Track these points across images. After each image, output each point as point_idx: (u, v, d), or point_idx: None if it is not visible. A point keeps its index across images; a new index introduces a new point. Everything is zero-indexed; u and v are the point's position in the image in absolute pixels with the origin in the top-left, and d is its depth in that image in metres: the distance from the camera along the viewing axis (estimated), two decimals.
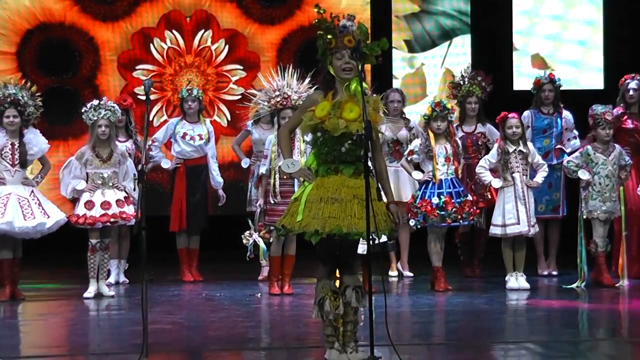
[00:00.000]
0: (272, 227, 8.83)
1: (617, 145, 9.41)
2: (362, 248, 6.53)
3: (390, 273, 10.18)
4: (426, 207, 9.02)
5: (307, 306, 7.57)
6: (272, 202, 8.89)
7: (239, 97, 11.57)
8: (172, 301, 8.92)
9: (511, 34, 12.79)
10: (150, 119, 12.23)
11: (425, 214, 9.04)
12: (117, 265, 9.88)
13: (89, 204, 8.90)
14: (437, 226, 9.13)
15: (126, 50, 12.41)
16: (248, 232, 9.29)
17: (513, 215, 9.13)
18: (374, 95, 7.25)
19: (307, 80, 9.01)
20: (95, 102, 9.09)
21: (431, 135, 9.18)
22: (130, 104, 10.02)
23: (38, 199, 8.85)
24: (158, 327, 7.18)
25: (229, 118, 12.39)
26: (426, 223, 9.12)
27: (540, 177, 9.27)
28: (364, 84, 5.77)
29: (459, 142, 9.42)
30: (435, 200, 9.03)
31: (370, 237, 5.56)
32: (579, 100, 10.66)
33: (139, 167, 6.16)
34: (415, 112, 11.32)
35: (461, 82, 10.12)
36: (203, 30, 12.49)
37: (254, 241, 9.25)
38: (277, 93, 9.02)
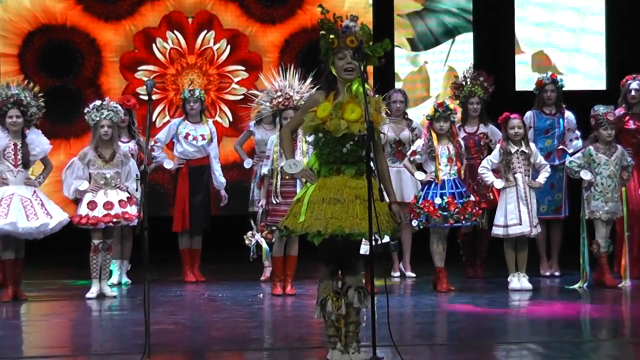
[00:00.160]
0: (274, 228, 8.84)
1: (619, 146, 9.40)
2: (364, 248, 6.53)
3: (392, 274, 10.18)
4: (429, 207, 9.03)
5: (310, 307, 7.57)
6: (274, 202, 8.90)
7: (242, 97, 11.58)
8: (174, 302, 8.92)
9: (513, 31, 12.78)
10: (153, 119, 12.24)
11: (427, 215, 9.04)
12: (119, 265, 9.89)
13: (92, 205, 8.90)
14: (440, 227, 9.13)
15: (128, 51, 12.42)
16: (250, 232, 9.30)
17: (515, 216, 9.13)
18: (376, 95, 7.26)
19: (309, 80, 9.02)
20: (98, 102, 9.10)
21: (434, 135, 9.18)
22: (134, 105, 10.02)
23: (41, 199, 8.86)
24: (160, 327, 7.19)
25: (231, 119, 12.39)
26: (429, 224, 9.12)
27: (542, 178, 9.27)
28: (366, 85, 5.78)
29: (462, 142, 9.42)
30: (437, 200, 9.03)
31: (373, 237, 5.56)
32: (581, 101, 10.66)
33: (142, 167, 6.16)
34: (419, 116, 11.30)
35: (463, 83, 10.12)
36: (205, 31, 12.49)
37: (257, 242, 9.25)
38: (279, 93, 9.02)
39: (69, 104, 12.01)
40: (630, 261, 9.35)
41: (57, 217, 8.83)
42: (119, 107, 9.22)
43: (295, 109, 8.70)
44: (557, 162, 9.94)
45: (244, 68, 12.52)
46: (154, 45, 12.44)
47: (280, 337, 7.33)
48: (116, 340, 7.09)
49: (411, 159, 9.33)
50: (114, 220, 8.91)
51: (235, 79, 12.50)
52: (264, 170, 9.06)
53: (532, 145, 9.36)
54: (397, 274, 10.22)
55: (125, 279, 9.91)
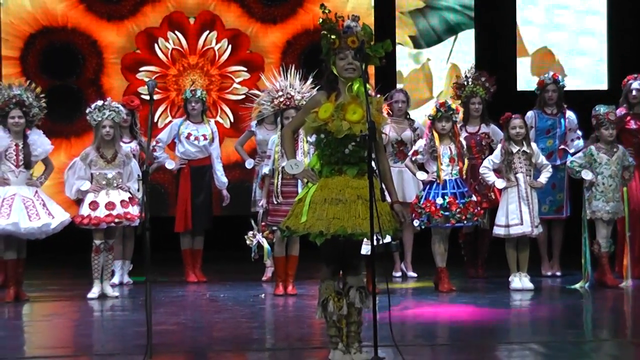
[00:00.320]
0: (274, 228, 8.84)
1: (620, 146, 9.40)
2: (365, 249, 6.54)
3: (394, 274, 10.19)
4: (430, 207, 9.03)
5: (311, 307, 7.57)
6: (275, 202, 8.90)
7: (243, 96, 11.58)
8: (176, 302, 8.92)
9: (515, 28, 12.77)
10: (155, 120, 12.25)
11: (429, 215, 9.05)
12: (121, 266, 9.90)
13: (93, 205, 8.91)
14: (441, 227, 9.13)
15: (130, 52, 12.42)
16: (251, 232, 9.30)
17: (516, 216, 9.13)
18: (377, 95, 7.27)
19: (310, 80, 9.02)
20: (100, 102, 9.10)
21: (436, 135, 9.18)
22: (138, 106, 10.04)
23: (42, 200, 8.86)
24: (162, 328, 7.19)
25: (232, 120, 12.40)
26: (430, 224, 9.12)
27: (544, 178, 9.27)
28: (367, 85, 5.78)
29: (464, 142, 9.41)
30: (439, 200, 9.03)
31: (374, 237, 5.57)
32: (582, 101, 10.66)
33: (143, 167, 6.16)
34: (421, 117, 11.31)
35: (465, 83, 10.12)
36: (208, 31, 12.50)
37: (258, 242, 9.25)
38: (280, 93, 9.02)
39: (70, 103, 12.03)
40: (631, 261, 9.35)
41: (58, 217, 8.84)
42: (121, 107, 9.23)
43: (297, 109, 8.72)
44: (558, 162, 9.94)
45: (245, 69, 12.53)
46: (156, 45, 12.45)
47: (282, 337, 7.33)
48: (118, 340, 7.09)
49: (413, 159, 9.33)
50: (116, 220, 8.91)
51: (237, 80, 12.50)
52: (265, 170, 9.06)
53: (533, 145, 9.36)
54: (399, 274, 10.23)
55: (126, 279, 9.93)
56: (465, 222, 9.09)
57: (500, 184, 9.21)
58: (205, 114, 10.32)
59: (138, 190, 8.98)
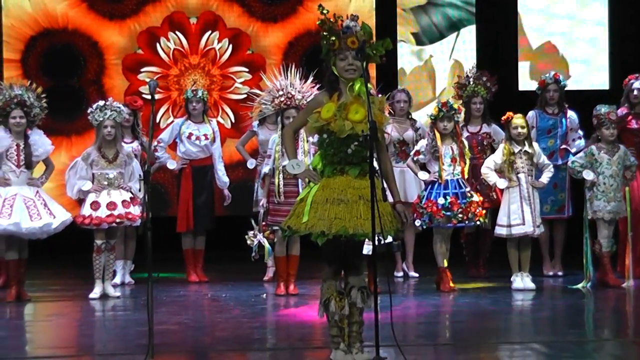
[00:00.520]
0: (275, 227, 8.84)
1: (621, 146, 9.39)
2: (367, 249, 6.53)
3: (395, 274, 10.18)
4: (432, 207, 9.03)
5: (313, 307, 7.56)
6: (276, 201, 8.89)
7: (244, 95, 11.57)
8: (178, 302, 8.92)
9: (516, 24, 12.77)
10: (157, 120, 12.26)
11: (431, 215, 9.04)
12: (122, 266, 9.90)
13: (95, 205, 8.91)
14: (443, 227, 9.13)
15: (131, 53, 12.42)
16: (252, 232, 9.30)
17: (518, 216, 9.13)
18: (379, 95, 7.26)
19: (310, 80, 9.02)
20: (101, 102, 9.10)
21: (437, 135, 9.17)
22: (141, 106, 10.05)
23: (43, 199, 8.86)
24: (163, 327, 7.19)
25: (233, 120, 12.40)
26: (432, 224, 9.12)
27: (545, 178, 9.27)
28: (368, 85, 5.78)
29: (465, 142, 9.41)
30: (441, 200, 9.03)
31: (376, 237, 5.57)
32: (583, 101, 10.66)
33: (145, 167, 6.17)
34: (424, 118, 11.30)
35: (466, 83, 10.12)
36: (210, 32, 12.50)
37: (259, 242, 9.25)
38: (280, 93, 9.02)
39: (72, 102, 12.02)
40: (633, 261, 9.34)
41: (60, 216, 8.84)
42: (122, 107, 9.24)
43: (297, 108, 8.72)
44: (560, 162, 9.93)
45: (247, 69, 12.52)
46: (158, 44, 12.45)
47: (283, 337, 7.33)
48: (119, 340, 7.09)
49: (415, 158, 9.33)
50: (117, 220, 8.91)
51: (239, 80, 12.50)
52: (265, 169, 9.06)
53: (535, 145, 9.35)
54: (400, 274, 10.22)
55: (128, 279, 9.93)
56: (466, 222, 9.09)
57: (501, 184, 9.20)
58: (207, 113, 10.32)
59: (140, 190, 8.98)
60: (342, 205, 5.71)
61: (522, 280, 9.18)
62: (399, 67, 12.74)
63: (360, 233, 5.67)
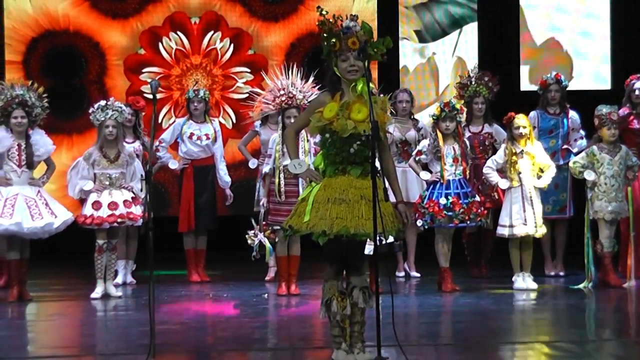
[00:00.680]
0: (275, 227, 8.84)
1: (623, 146, 9.38)
2: (368, 249, 6.53)
3: (397, 274, 10.18)
4: (434, 207, 9.02)
5: (314, 307, 7.56)
6: (276, 201, 8.89)
7: (246, 95, 11.57)
8: (179, 302, 8.92)
9: (518, 22, 12.76)
10: (159, 121, 12.26)
11: (432, 215, 9.04)
12: (124, 265, 9.90)
13: (97, 205, 8.91)
14: (445, 227, 9.13)
15: (132, 53, 12.42)
16: (252, 232, 9.29)
17: (520, 216, 9.13)
18: (382, 95, 7.26)
19: (311, 79, 9.02)
20: (103, 102, 9.11)
21: (439, 135, 9.17)
22: (143, 106, 10.06)
23: (45, 199, 8.87)
24: (165, 327, 7.19)
25: (234, 120, 12.40)
26: (433, 224, 9.12)
27: (547, 178, 9.26)
28: (370, 84, 5.78)
29: (467, 142, 9.41)
30: (442, 200, 9.03)
31: (378, 237, 5.56)
32: (585, 101, 10.65)
33: (147, 167, 6.17)
34: (426, 118, 11.30)
35: (468, 83, 10.11)
36: (212, 32, 12.50)
37: (260, 241, 9.24)
38: (282, 92, 9.02)
39: (73, 101, 12.02)
40: (635, 261, 9.32)
41: (61, 216, 8.84)
42: (124, 107, 9.25)
43: (299, 108, 8.72)
44: (561, 162, 9.93)
45: (249, 70, 12.52)
46: (160, 44, 12.45)
47: (285, 337, 7.33)
48: (121, 340, 7.09)
49: (416, 158, 9.33)
50: (119, 220, 8.91)
51: (240, 80, 12.50)
52: (266, 169, 9.05)
53: (537, 145, 9.34)
54: (402, 274, 10.22)
55: (130, 279, 9.93)
56: (468, 222, 9.09)
57: (503, 184, 9.20)
58: (208, 113, 10.32)
59: (141, 190, 8.98)
60: (343, 205, 5.70)
61: (523, 281, 9.17)
62: (402, 65, 12.74)
63: (362, 233, 5.66)
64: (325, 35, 5.81)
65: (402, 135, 10.06)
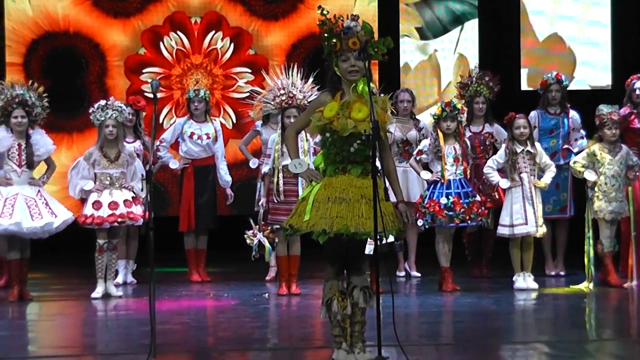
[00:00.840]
0: (275, 227, 8.84)
1: (624, 146, 9.38)
2: (369, 248, 6.53)
3: (397, 273, 10.18)
4: (434, 207, 9.02)
5: (315, 306, 7.56)
6: (276, 201, 8.89)
7: (247, 94, 11.57)
8: (180, 301, 8.92)
9: (519, 19, 12.76)
10: (160, 120, 12.27)
11: (433, 214, 9.04)
12: (125, 265, 9.90)
13: (97, 204, 8.91)
14: (445, 227, 9.13)
15: (133, 54, 12.42)
16: (251, 231, 9.29)
17: (521, 216, 9.13)
18: (382, 94, 7.26)
19: (311, 79, 9.02)
20: (103, 102, 9.11)
21: (440, 135, 9.17)
22: (144, 106, 10.06)
23: (45, 199, 8.87)
24: (166, 327, 7.19)
25: (235, 120, 12.40)
26: (434, 223, 9.12)
27: (548, 178, 9.26)
28: (371, 84, 5.78)
29: (468, 142, 9.41)
30: (443, 200, 9.03)
31: (378, 237, 5.56)
32: (586, 100, 10.65)
33: (147, 167, 6.17)
34: (427, 117, 11.31)
35: (469, 82, 10.11)
36: (213, 32, 12.50)
37: (259, 241, 9.24)
38: (282, 91, 9.02)
39: (73, 100, 12.02)
40: (636, 261, 9.32)
41: (61, 216, 8.84)
42: (124, 107, 9.25)
43: (299, 108, 8.72)
44: (562, 162, 9.93)
45: (250, 70, 12.52)
46: (161, 43, 12.45)
47: (285, 337, 7.33)
48: (122, 340, 7.09)
49: (417, 158, 9.33)
50: (119, 220, 8.91)
51: (241, 80, 12.50)
52: (265, 169, 9.05)
53: (537, 145, 9.35)
54: (403, 273, 10.22)
55: (130, 279, 9.92)
56: (469, 222, 9.09)
57: (504, 183, 9.20)
58: (209, 113, 10.32)
59: (142, 189, 8.98)
60: (343, 204, 5.70)
61: (524, 280, 9.17)
62: (403, 63, 12.74)
63: (362, 232, 5.66)
64: (326, 35, 5.81)
65: (403, 135, 10.06)
